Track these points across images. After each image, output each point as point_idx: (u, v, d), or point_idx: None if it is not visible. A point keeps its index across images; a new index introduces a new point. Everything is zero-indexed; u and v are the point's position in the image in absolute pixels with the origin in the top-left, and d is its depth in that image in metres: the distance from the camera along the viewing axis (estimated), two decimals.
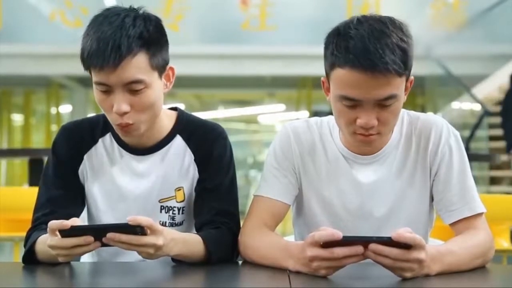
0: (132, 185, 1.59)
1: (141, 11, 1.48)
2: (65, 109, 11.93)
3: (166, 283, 1.36)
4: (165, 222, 1.60)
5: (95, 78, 1.44)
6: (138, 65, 1.43)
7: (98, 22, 1.44)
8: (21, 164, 10.93)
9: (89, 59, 1.42)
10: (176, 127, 1.62)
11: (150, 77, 1.46)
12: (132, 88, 1.44)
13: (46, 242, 1.33)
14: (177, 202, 1.60)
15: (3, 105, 11.79)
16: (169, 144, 1.61)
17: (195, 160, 1.61)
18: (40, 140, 11.63)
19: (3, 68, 8.74)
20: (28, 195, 3.07)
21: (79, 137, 1.61)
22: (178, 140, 1.62)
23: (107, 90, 1.45)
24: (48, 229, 1.30)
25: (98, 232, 1.30)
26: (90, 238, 1.29)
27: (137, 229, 1.27)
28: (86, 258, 1.66)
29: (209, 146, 1.60)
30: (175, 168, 1.60)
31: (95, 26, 1.44)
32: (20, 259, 1.44)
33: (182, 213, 1.61)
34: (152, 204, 1.59)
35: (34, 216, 1.56)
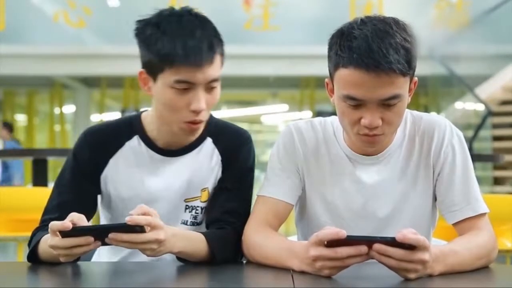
0: (161, 187, 1.60)
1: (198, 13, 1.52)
2: (68, 109, 11.96)
3: (170, 282, 1.36)
4: (187, 221, 1.62)
5: (176, 76, 1.45)
6: (218, 64, 1.49)
7: (174, 21, 1.46)
8: (24, 165, 10.95)
9: (181, 57, 1.42)
10: (207, 129, 1.63)
11: None
12: (211, 86, 1.49)
13: (47, 242, 1.34)
14: (201, 202, 1.62)
15: (7, 105, 11.83)
16: (200, 146, 1.63)
17: (221, 161, 1.63)
18: (44, 140, 11.66)
19: (7, 69, 8.77)
20: (31, 195, 3.09)
21: (103, 143, 1.60)
22: (208, 142, 1.64)
23: (187, 88, 1.46)
24: (49, 229, 1.31)
25: (98, 232, 1.31)
26: (90, 239, 1.29)
27: (137, 228, 1.28)
28: (104, 258, 1.67)
29: (236, 150, 1.63)
30: (203, 169, 1.62)
31: (171, 26, 1.45)
32: (23, 259, 1.45)
33: (204, 212, 1.63)
34: (178, 203, 1.61)
35: (42, 218, 1.56)
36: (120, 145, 1.61)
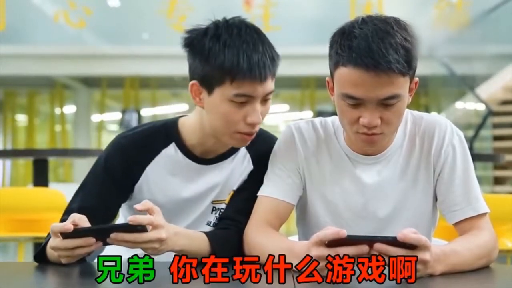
0: (196, 193, 1.60)
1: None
2: (69, 109, 11.96)
3: (171, 282, 1.36)
4: (211, 222, 1.63)
5: (237, 90, 1.44)
6: (275, 77, 1.51)
7: (234, 34, 1.45)
8: (25, 165, 10.97)
9: (246, 71, 1.42)
10: None
11: None
12: (266, 98, 1.49)
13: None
14: (225, 204, 1.63)
15: (7, 105, 11.83)
16: (236, 153, 1.63)
17: (252, 166, 1.64)
18: (44, 140, 11.67)
19: (7, 69, 8.77)
20: (31, 195, 3.08)
21: (138, 152, 1.57)
22: (242, 148, 1.63)
23: (245, 101, 1.46)
24: (50, 231, 1.31)
25: (100, 233, 1.31)
26: (91, 239, 1.30)
27: (138, 227, 1.28)
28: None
29: (266, 155, 1.62)
30: (235, 174, 1.63)
31: (233, 38, 1.44)
32: (24, 259, 1.44)
33: None
34: (207, 206, 1.62)
35: (61, 217, 1.52)
36: (156, 152, 1.59)
